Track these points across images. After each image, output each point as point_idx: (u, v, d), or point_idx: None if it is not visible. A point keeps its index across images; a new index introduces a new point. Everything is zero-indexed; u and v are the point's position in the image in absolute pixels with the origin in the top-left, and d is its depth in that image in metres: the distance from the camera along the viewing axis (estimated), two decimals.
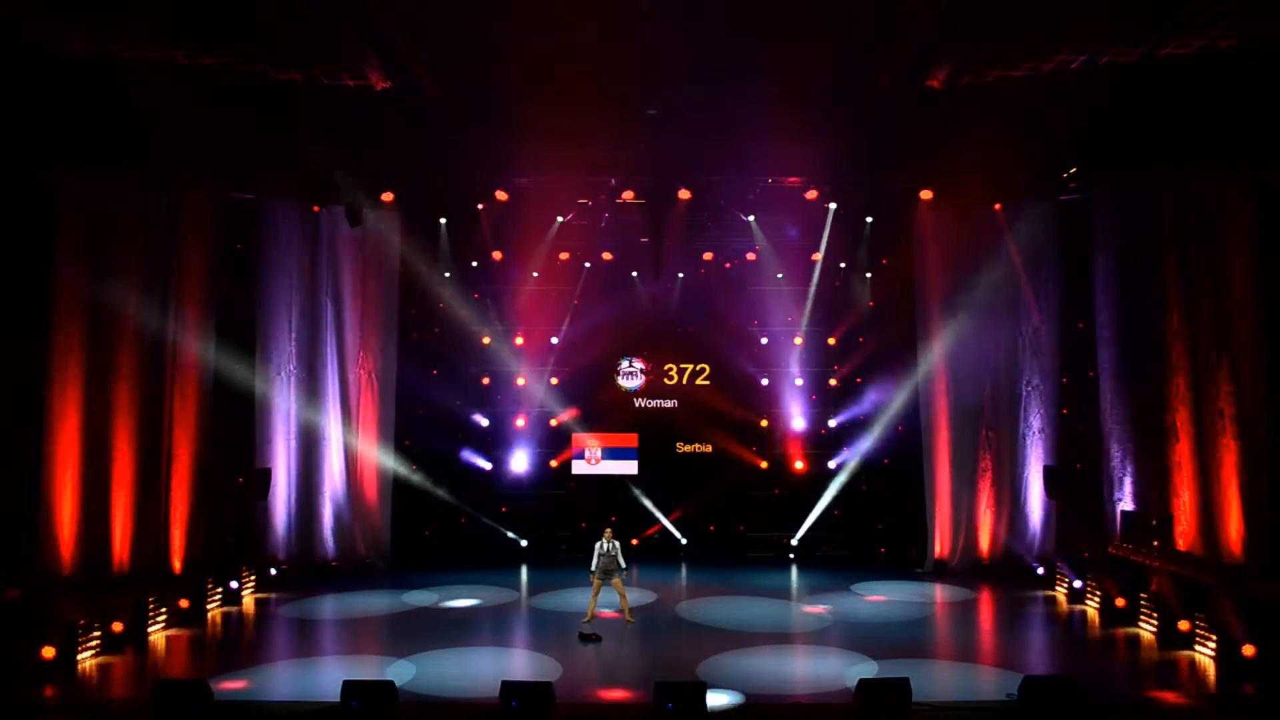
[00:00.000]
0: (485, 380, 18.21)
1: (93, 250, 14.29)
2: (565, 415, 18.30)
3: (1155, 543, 14.05)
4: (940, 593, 15.15)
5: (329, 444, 16.55)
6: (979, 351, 16.40)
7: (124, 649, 11.54)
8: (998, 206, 16.11)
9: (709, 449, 18.32)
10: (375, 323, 16.89)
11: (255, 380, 16.03)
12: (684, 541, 18.15)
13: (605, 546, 12.51)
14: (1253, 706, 9.94)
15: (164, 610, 12.59)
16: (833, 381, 18.20)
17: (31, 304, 13.85)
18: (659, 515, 18.03)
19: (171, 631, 12.54)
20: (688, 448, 18.34)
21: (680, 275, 17.94)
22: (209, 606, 13.52)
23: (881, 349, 17.72)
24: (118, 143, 13.49)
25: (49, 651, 10.48)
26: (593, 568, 12.52)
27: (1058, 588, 14.70)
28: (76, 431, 14.05)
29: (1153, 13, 11.03)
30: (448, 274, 17.66)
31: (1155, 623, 12.10)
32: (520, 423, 18.27)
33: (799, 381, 18.32)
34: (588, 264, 17.88)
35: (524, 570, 16.94)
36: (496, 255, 17.36)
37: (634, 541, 17.91)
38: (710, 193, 16.30)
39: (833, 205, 16.62)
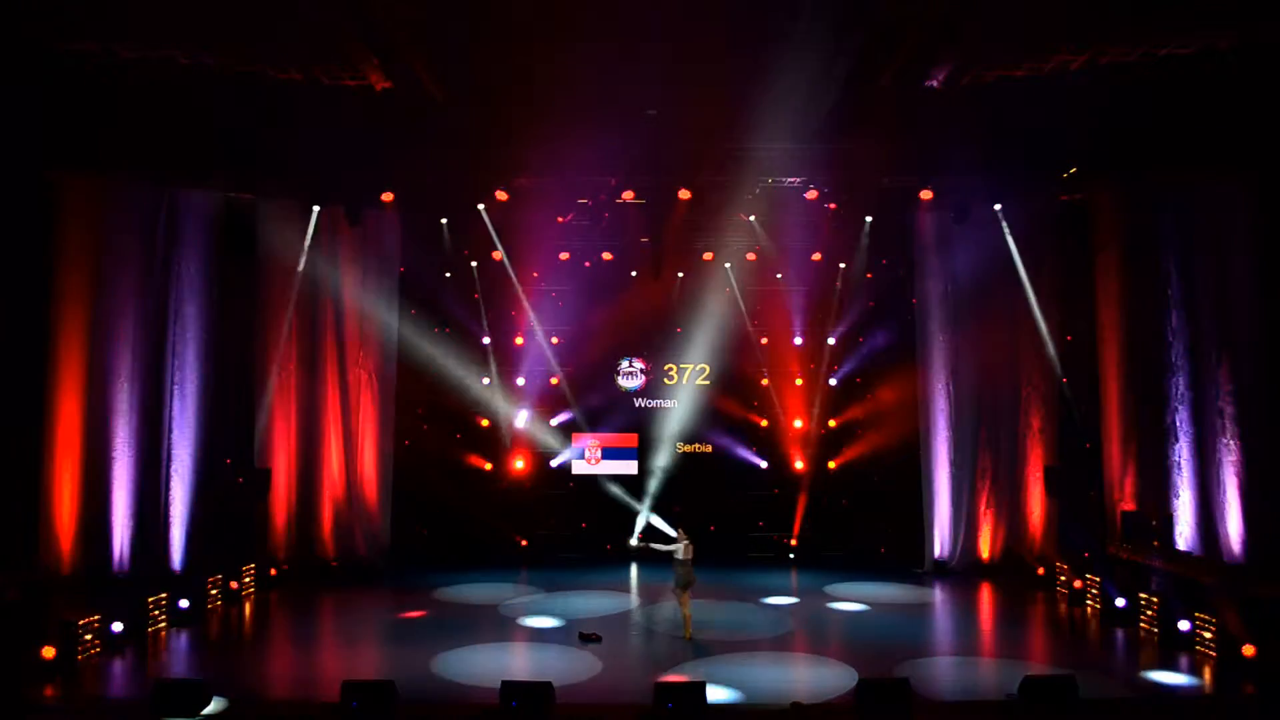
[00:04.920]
0: (485, 380, 18.21)
1: (93, 250, 14.27)
2: (565, 415, 18.30)
3: (1155, 543, 14.05)
4: (940, 592, 15.17)
5: (329, 444, 16.55)
6: (979, 351, 16.41)
7: (124, 649, 11.55)
8: (998, 206, 16.12)
9: (709, 449, 18.32)
10: (375, 323, 16.88)
11: (255, 380, 16.03)
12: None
13: (681, 554, 12.11)
14: (1253, 706, 9.94)
15: (164, 610, 12.60)
16: (833, 381, 18.19)
17: (32, 303, 13.84)
18: (653, 517, 17.99)
19: (171, 631, 12.55)
20: (688, 448, 18.34)
21: (680, 275, 17.93)
22: (209, 606, 13.54)
23: (881, 349, 17.71)
24: (118, 143, 13.48)
25: (49, 651, 10.49)
26: (674, 583, 12.13)
27: (1057, 588, 14.70)
28: (76, 431, 14.04)
29: (1153, 13, 11.03)
30: (448, 274, 17.67)
31: (1155, 623, 12.11)
32: (520, 422, 18.27)
33: (799, 381, 18.32)
34: (588, 264, 17.87)
35: (524, 570, 16.94)
36: (496, 255, 17.35)
37: (632, 542, 17.93)
38: (710, 193, 16.29)
39: (833, 205, 16.62)
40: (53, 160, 13.79)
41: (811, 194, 16.26)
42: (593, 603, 14.25)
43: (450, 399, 17.95)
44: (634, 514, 17.96)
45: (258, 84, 12.86)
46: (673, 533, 16.17)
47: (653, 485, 18.05)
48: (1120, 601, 12.85)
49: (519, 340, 18.27)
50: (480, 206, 16.65)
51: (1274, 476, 13.33)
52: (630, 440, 18.31)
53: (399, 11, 11.20)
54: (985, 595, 15.14)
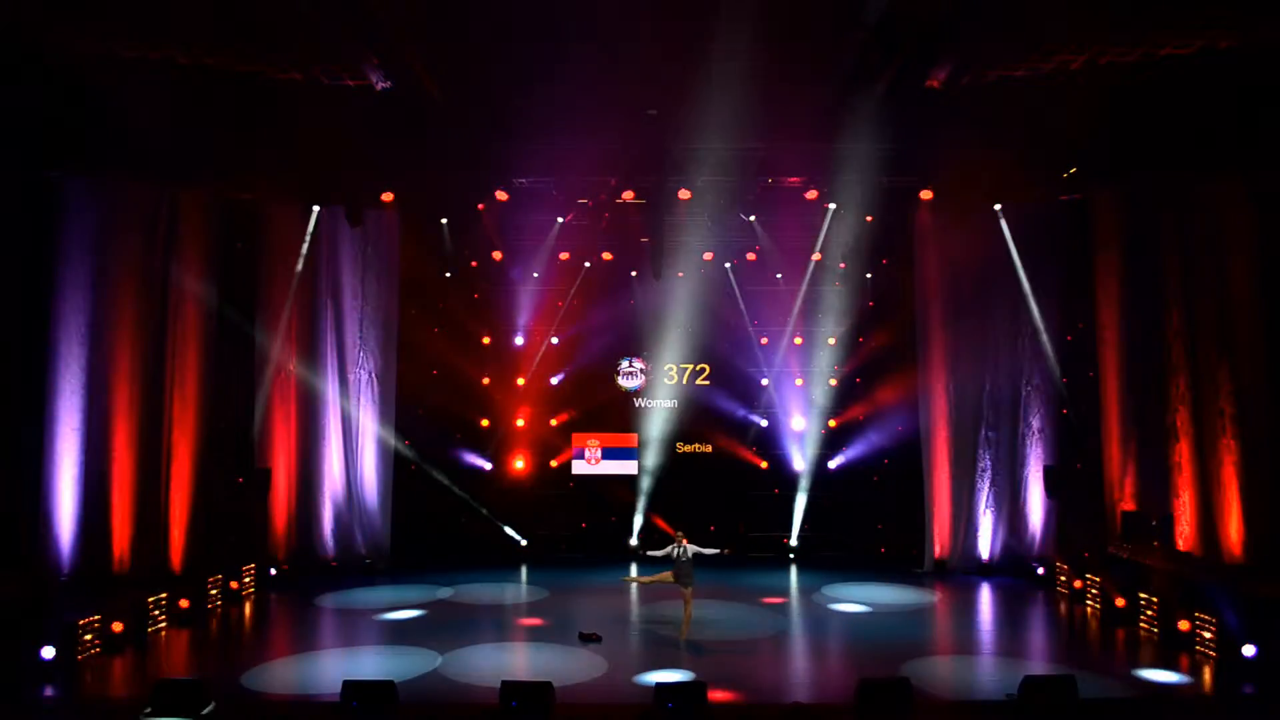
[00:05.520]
0: (485, 380, 18.21)
1: (93, 250, 14.26)
2: (565, 415, 18.30)
3: (1155, 543, 14.05)
4: (940, 592, 15.16)
5: (329, 444, 16.56)
6: (979, 351, 16.41)
7: (124, 649, 11.55)
8: (998, 206, 16.11)
9: (709, 449, 18.32)
10: (375, 323, 16.89)
11: (255, 380, 16.03)
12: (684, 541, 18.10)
13: (677, 552, 12.00)
14: (1253, 706, 9.94)
15: (164, 610, 12.60)
16: (833, 381, 18.19)
17: (32, 303, 13.84)
18: (654, 517, 18.00)
19: (171, 631, 12.55)
20: (688, 448, 18.35)
21: (680, 275, 17.93)
22: (209, 606, 13.54)
23: (881, 349, 17.72)
24: (118, 143, 13.48)
25: (49, 651, 10.49)
26: (672, 579, 12.01)
27: (1058, 588, 14.70)
28: (76, 431, 14.04)
29: (1153, 13, 11.03)
30: (448, 274, 17.67)
31: (1155, 623, 12.10)
32: (520, 423, 18.28)
33: (799, 381, 18.32)
34: (588, 264, 17.88)
35: (524, 570, 16.95)
36: (496, 255, 17.36)
37: (632, 542, 17.95)
38: (710, 193, 16.29)
39: (833, 205, 16.61)
40: (53, 160, 13.79)
41: (811, 194, 16.27)
42: (593, 603, 14.25)
43: (450, 399, 17.96)
44: (634, 514, 18.02)
45: (258, 84, 12.85)
46: (671, 534, 16.22)
47: (650, 485, 18.08)
48: (1120, 601, 12.85)
49: (519, 340, 18.27)
50: (480, 206, 16.66)
51: (1274, 476, 13.32)
52: (630, 440, 18.32)
53: (399, 11, 11.20)
54: (985, 595, 15.14)
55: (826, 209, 16.69)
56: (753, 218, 16.91)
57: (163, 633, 12.44)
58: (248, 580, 14.66)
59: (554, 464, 18.38)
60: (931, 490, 16.57)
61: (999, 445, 16.37)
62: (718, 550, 12.55)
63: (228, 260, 15.63)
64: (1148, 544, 14.06)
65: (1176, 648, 11.52)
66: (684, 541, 12.13)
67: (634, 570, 16.70)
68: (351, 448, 16.69)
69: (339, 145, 14.47)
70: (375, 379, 16.90)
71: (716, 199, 16.46)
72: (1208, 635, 11.18)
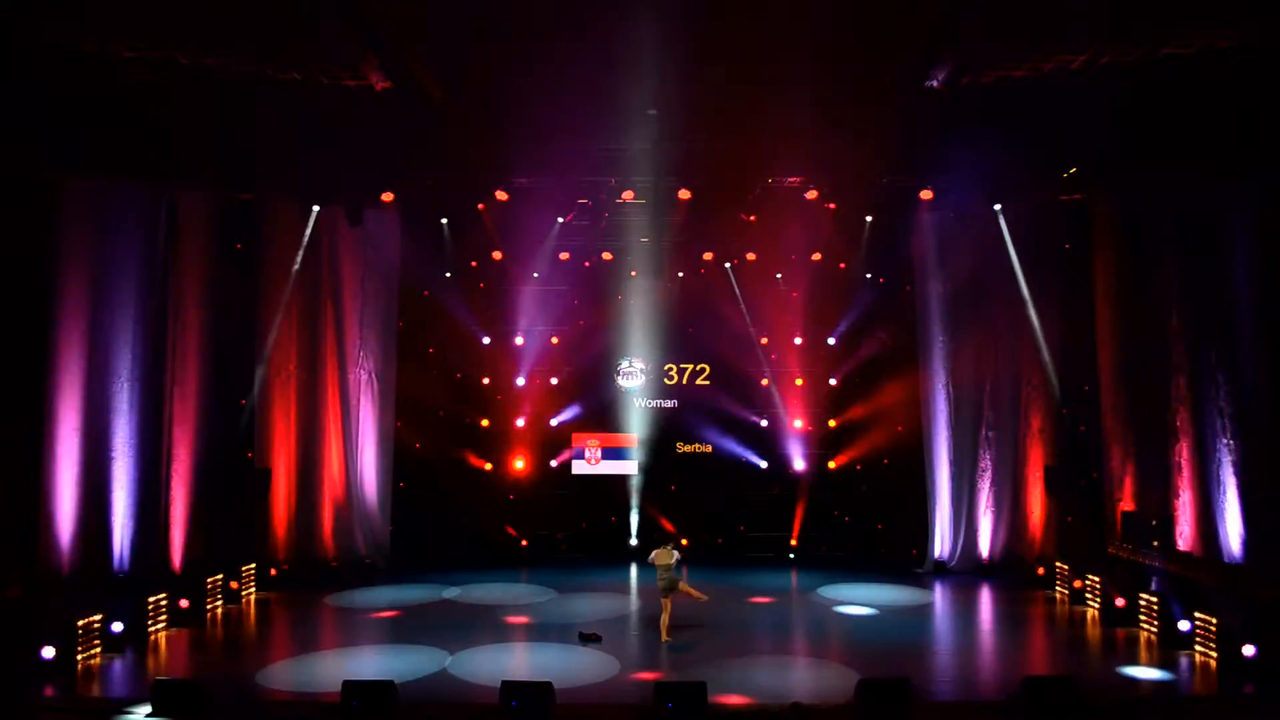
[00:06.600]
0: (485, 380, 18.22)
1: (93, 250, 14.26)
2: (565, 415, 18.31)
3: (1155, 543, 14.05)
4: (940, 592, 15.17)
5: (329, 444, 16.56)
6: (979, 352, 16.41)
7: (124, 649, 11.55)
8: (998, 206, 16.11)
9: (709, 449, 18.33)
10: (375, 323, 16.90)
11: (255, 380, 16.03)
12: (684, 542, 18.11)
13: (674, 559, 11.97)
14: (1253, 706, 9.95)
15: (164, 610, 12.60)
16: (833, 381, 18.20)
17: (32, 304, 13.84)
18: (655, 516, 18.01)
19: (171, 631, 12.55)
20: (688, 448, 18.35)
21: (680, 275, 17.93)
22: (209, 606, 13.54)
23: (881, 349, 17.72)
24: (118, 143, 13.47)
25: (49, 651, 10.49)
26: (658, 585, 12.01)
27: (1058, 588, 14.70)
28: (76, 431, 14.04)
29: (1153, 13, 11.03)
30: (448, 274, 17.68)
31: (1155, 623, 12.11)
32: (520, 423, 18.28)
33: (799, 381, 18.33)
34: (588, 264, 17.88)
35: (524, 570, 16.94)
36: (496, 255, 17.36)
37: (632, 542, 17.94)
38: (710, 193, 16.29)
39: (833, 205, 16.60)
40: (52, 160, 13.78)
41: (811, 194, 16.26)
42: (593, 603, 14.26)
43: (450, 399, 17.95)
44: (634, 514, 18.03)
45: (258, 84, 12.85)
46: (672, 532, 16.21)
47: (650, 485, 18.09)
48: (1120, 601, 12.85)
49: (519, 340, 18.28)
50: (480, 206, 16.66)
51: (1274, 476, 13.32)
52: (630, 440, 18.32)
53: (399, 11, 11.20)
54: (985, 595, 15.14)
55: (827, 209, 16.59)
56: (753, 218, 16.90)
57: (163, 633, 12.44)
58: (248, 580, 14.66)
59: (554, 464, 18.38)
60: (932, 490, 16.57)
61: (999, 445, 16.38)
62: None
63: (228, 260, 15.62)
64: (1148, 544, 14.06)
65: (1176, 648, 11.52)
66: (669, 547, 12.10)
67: (634, 572, 16.70)
68: (351, 448, 16.69)
69: (339, 145, 14.47)
70: (375, 379, 16.92)
71: (716, 199, 16.45)
72: (1208, 635, 11.16)
